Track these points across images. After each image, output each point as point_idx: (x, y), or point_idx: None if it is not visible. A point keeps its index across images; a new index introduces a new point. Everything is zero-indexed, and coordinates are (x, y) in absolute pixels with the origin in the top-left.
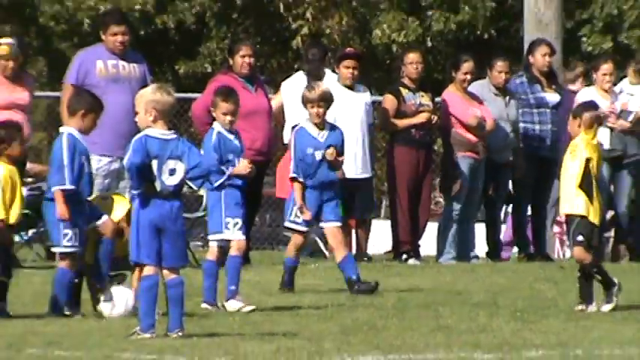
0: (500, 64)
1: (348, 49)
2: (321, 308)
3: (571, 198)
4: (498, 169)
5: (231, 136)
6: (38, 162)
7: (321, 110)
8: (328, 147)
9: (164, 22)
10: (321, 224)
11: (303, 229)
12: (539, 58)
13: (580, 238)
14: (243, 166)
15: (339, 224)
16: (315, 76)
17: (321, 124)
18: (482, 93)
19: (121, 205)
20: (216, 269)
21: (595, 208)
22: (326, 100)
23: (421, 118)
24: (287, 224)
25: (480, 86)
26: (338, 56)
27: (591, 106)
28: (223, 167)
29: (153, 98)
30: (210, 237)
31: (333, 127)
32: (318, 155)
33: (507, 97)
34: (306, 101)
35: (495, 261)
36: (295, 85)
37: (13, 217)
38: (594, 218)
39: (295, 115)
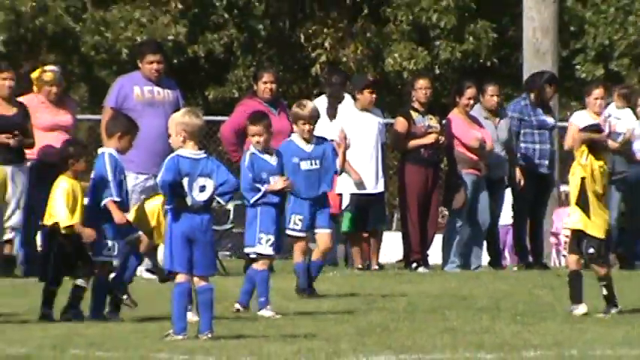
0: (491, 89)
1: (370, 77)
2: (338, 312)
3: (570, 214)
4: (492, 185)
5: (265, 156)
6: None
7: (311, 127)
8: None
9: (195, 52)
10: (315, 230)
11: (302, 234)
12: (549, 92)
13: (591, 250)
14: (279, 183)
15: (329, 231)
16: (336, 98)
17: (310, 139)
18: (475, 116)
19: (155, 199)
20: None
21: (594, 222)
22: (315, 117)
23: (429, 139)
24: (288, 232)
25: (473, 110)
26: (364, 84)
27: (593, 128)
28: (258, 185)
29: (182, 121)
30: (245, 249)
31: (320, 141)
32: (304, 165)
33: (498, 119)
34: (297, 118)
35: (497, 269)
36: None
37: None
38: (595, 232)
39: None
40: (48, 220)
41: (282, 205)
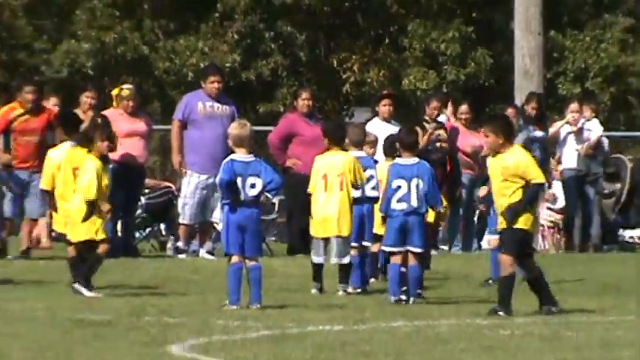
0: (509, 111)
1: (385, 91)
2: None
3: None
4: None
5: None
6: (152, 178)
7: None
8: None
9: (247, 76)
10: None
11: None
12: (531, 110)
13: None
14: None
15: None
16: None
17: None
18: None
19: None
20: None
21: None
22: None
23: (434, 134)
24: None
25: None
26: (379, 97)
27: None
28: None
29: (230, 132)
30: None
31: None
32: None
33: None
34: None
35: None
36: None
37: None
38: None
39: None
40: None
41: None
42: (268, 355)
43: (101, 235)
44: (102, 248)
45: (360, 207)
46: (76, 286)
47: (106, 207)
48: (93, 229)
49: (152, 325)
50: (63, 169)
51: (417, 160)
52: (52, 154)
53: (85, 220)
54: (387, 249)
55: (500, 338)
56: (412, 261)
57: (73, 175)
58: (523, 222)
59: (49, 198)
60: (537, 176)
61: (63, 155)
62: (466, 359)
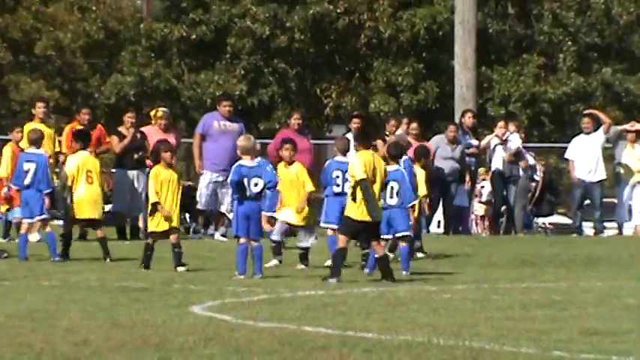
0: (451, 127)
1: (356, 112)
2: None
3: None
4: (445, 182)
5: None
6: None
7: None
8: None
9: (252, 101)
10: None
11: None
12: (467, 120)
13: None
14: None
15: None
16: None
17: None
18: (439, 141)
19: None
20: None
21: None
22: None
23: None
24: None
25: (439, 138)
26: (349, 116)
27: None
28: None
29: (238, 144)
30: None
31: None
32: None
33: (454, 145)
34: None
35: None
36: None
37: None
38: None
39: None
40: None
41: None
42: (267, 313)
43: (162, 227)
44: (172, 237)
45: (342, 199)
46: (180, 268)
47: (164, 212)
48: (156, 224)
49: (179, 291)
50: (80, 170)
51: (397, 167)
52: (70, 158)
53: (151, 215)
54: None
55: (444, 301)
56: (403, 243)
57: (86, 175)
58: (350, 211)
59: (66, 190)
60: (354, 175)
61: (80, 161)
62: (419, 317)
